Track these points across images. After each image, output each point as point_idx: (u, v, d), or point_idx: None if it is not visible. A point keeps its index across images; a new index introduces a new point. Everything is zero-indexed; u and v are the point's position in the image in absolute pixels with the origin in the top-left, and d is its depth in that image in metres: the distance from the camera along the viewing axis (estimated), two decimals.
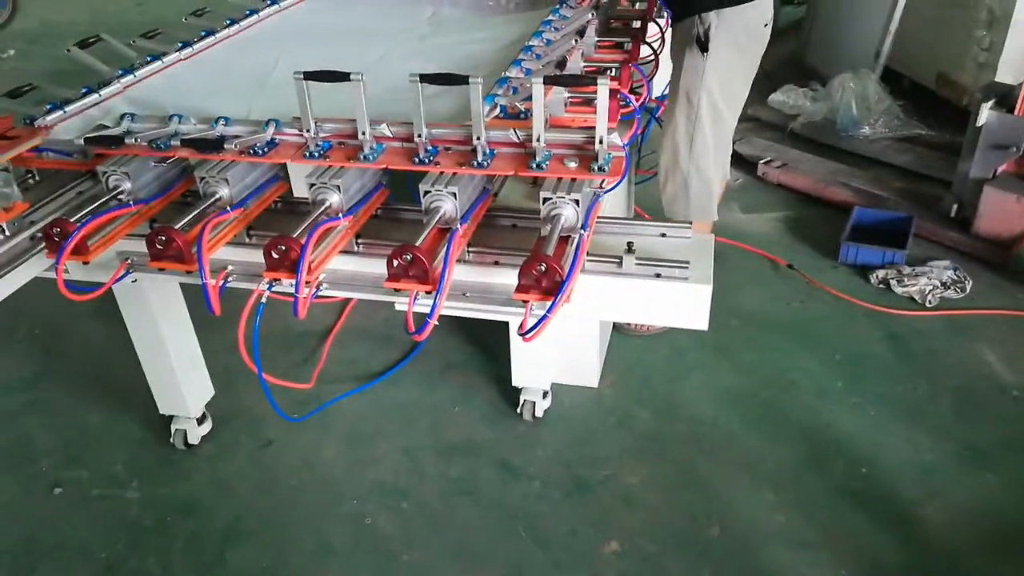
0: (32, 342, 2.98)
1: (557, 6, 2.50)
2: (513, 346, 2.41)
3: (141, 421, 2.53)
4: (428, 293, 1.46)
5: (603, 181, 1.61)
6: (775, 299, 3.03)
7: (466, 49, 2.35)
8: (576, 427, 2.46)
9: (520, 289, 1.43)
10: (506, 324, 2.27)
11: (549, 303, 1.40)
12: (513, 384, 2.49)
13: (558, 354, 2.51)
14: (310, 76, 1.59)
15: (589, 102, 1.61)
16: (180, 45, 2.36)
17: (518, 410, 2.48)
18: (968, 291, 2.96)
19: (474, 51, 2.33)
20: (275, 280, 1.54)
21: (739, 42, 2.34)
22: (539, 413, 2.47)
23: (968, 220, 3.18)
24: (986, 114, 3.01)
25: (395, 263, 1.45)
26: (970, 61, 4.08)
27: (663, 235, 1.71)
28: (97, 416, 2.60)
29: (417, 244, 1.46)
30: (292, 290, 1.49)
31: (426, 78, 1.54)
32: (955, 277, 3.00)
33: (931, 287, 2.94)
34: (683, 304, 1.57)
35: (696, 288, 1.55)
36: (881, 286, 3.02)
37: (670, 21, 2.49)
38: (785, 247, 3.35)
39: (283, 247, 1.48)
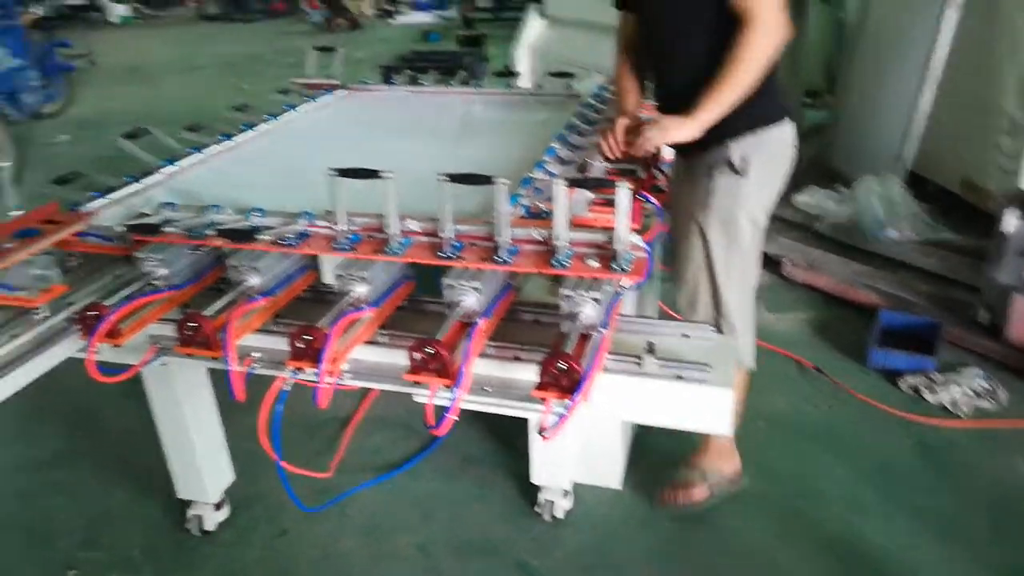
0: (60, 421, 2.99)
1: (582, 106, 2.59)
2: (533, 442, 2.38)
3: (163, 503, 2.51)
4: (448, 387, 1.47)
5: (624, 280, 1.63)
6: (802, 402, 2.97)
7: (494, 149, 2.44)
8: (597, 529, 2.40)
9: (540, 387, 1.43)
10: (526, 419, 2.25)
11: (567, 401, 1.39)
12: (532, 481, 2.44)
13: (580, 452, 2.47)
14: (343, 173, 1.65)
15: (612, 203, 1.64)
16: (220, 138, 2.48)
17: (537, 508, 2.43)
18: (1000, 401, 2.88)
19: (501, 151, 2.41)
20: (298, 368, 1.56)
21: (774, 160, 2.23)
22: (558, 513, 2.41)
23: (999, 327, 3.14)
24: (1012, 222, 3.00)
25: (416, 356, 1.46)
26: (993, 167, 4.10)
27: (685, 335, 1.71)
28: (119, 497, 2.59)
29: (438, 337, 1.47)
30: (315, 378, 1.51)
31: (453, 178, 1.59)
32: (987, 386, 2.93)
33: (963, 396, 2.88)
34: (704, 408, 1.55)
35: (718, 391, 1.53)
36: (911, 392, 2.96)
37: (677, 152, 2.29)
38: (811, 348, 3.32)
39: (308, 337, 1.50)
